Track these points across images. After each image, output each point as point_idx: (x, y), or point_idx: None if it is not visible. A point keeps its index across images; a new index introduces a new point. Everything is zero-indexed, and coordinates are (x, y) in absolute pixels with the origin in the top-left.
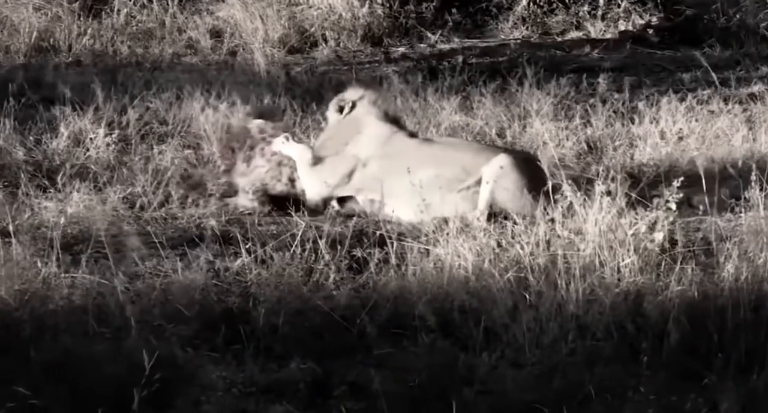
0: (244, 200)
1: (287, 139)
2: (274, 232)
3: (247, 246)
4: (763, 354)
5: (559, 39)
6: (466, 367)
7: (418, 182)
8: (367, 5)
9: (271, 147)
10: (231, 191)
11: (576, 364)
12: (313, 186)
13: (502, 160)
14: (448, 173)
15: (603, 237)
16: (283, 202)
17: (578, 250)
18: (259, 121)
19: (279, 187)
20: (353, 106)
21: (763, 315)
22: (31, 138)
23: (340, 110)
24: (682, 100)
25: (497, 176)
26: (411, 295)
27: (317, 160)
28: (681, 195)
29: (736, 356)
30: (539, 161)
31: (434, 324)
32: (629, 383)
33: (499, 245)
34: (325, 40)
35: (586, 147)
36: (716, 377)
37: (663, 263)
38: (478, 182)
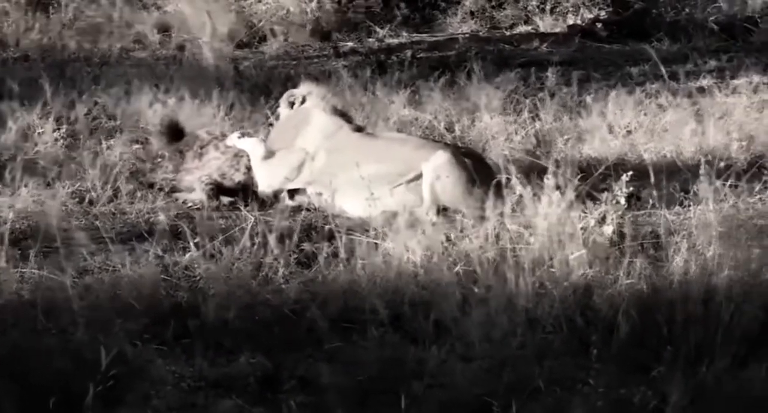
0: (197, 194)
1: (241, 135)
2: (223, 226)
3: (196, 241)
4: (711, 347)
5: (508, 33)
6: (415, 361)
7: (365, 175)
8: (315, 0)
9: (225, 142)
10: (180, 186)
11: (525, 357)
12: (264, 178)
13: (441, 156)
14: (391, 167)
15: (552, 231)
16: (235, 194)
17: (528, 244)
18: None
19: (237, 177)
20: (303, 101)
21: (711, 307)
22: None
23: (291, 105)
24: (630, 93)
25: (437, 172)
26: (360, 289)
27: (269, 153)
28: (630, 189)
29: (685, 348)
30: (483, 156)
31: (384, 317)
32: (579, 376)
33: (448, 239)
34: (274, 35)
35: (534, 141)
36: (665, 369)
37: (612, 257)
38: (418, 177)
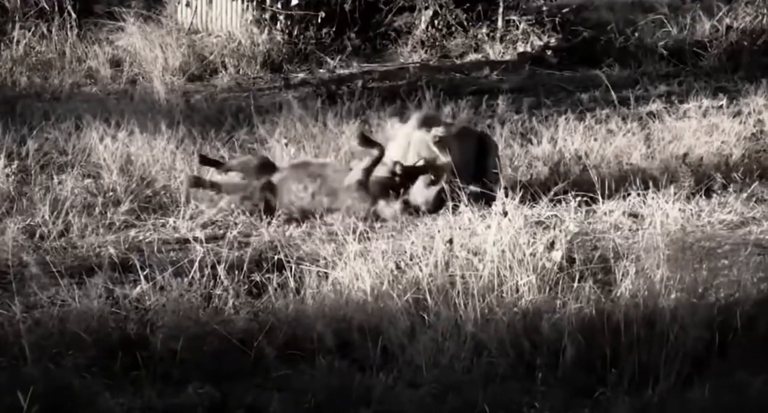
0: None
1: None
2: (174, 258)
3: (146, 273)
4: (656, 368)
5: (459, 62)
6: (363, 387)
7: None
8: (266, 32)
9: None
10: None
11: (472, 382)
12: None
13: None
14: None
15: (502, 257)
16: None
17: (477, 270)
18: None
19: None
20: None
21: (657, 329)
22: None
23: None
24: (580, 119)
25: None
26: (309, 318)
27: None
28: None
29: (630, 370)
30: None
31: (332, 345)
32: (524, 399)
33: (397, 267)
34: (225, 68)
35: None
36: (610, 391)
37: (561, 282)
38: None
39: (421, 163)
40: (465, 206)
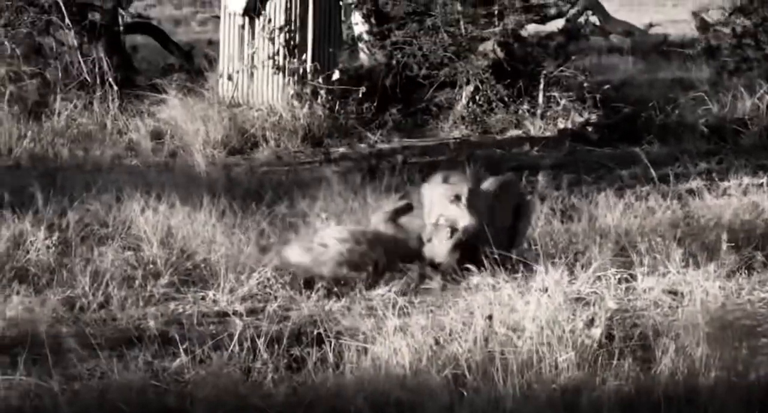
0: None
1: None
2: (213, 332)
3: (185, 346)
4: None
5: (499, 137)
6: None
7: None
8: (307, 106)
9: None
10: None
11: None
12: None
13: None
14: None
15: (541, 333)
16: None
17: (516, 347)
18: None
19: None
20: None
21: (697, 406)
22: None
23: None
24: (620, 196)
25: None
26: (348, 392)
27: None
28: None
29: None
30: None
31: None
32: None
33: (437, 342)
34: (266, 141)
35: (525, 245)
36: None
37: (600, 359)
38: None
39: (442, 221)
40: (504, 281)
